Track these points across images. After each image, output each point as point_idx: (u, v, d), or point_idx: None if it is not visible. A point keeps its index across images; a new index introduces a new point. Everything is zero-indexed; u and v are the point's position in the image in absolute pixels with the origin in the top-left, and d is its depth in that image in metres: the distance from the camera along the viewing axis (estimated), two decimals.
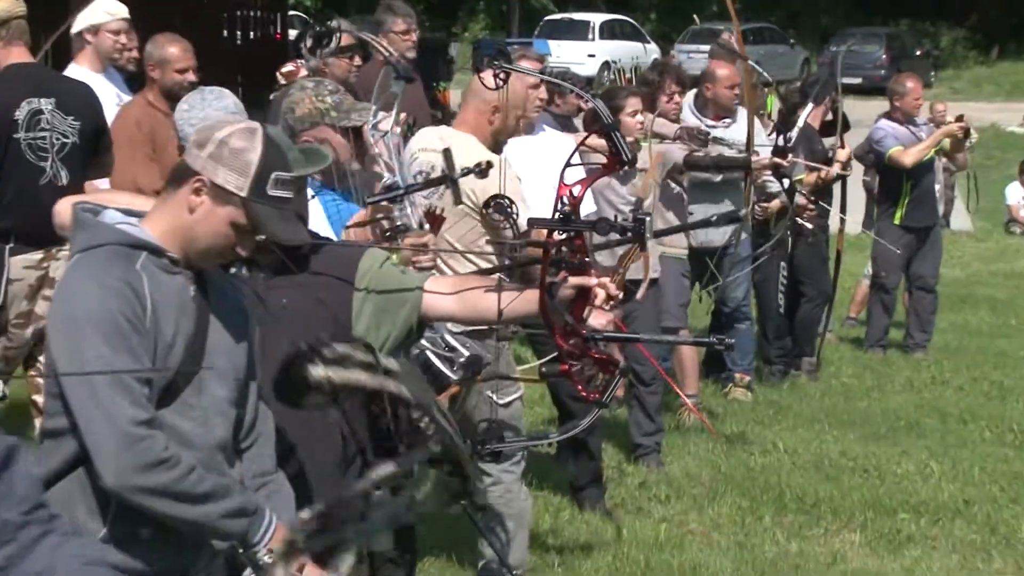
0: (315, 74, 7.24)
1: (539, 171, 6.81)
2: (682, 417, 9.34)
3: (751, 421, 9.55)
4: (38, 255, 6.61)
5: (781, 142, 9.32)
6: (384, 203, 4.72)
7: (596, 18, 41.23)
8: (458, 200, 4.73)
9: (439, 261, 5.75)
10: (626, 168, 4.32)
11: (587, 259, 4.06)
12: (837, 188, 10.93)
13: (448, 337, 4.06)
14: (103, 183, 6.96)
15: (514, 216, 5.31)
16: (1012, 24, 47.16)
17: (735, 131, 9.39)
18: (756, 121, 9.96)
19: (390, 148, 4.69)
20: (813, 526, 7.60)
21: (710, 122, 9.52)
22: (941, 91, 35.41)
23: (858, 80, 31.67)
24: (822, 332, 11.20)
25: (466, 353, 4.26)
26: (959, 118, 11.90)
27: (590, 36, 39.61)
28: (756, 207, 10.00)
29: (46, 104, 6.61)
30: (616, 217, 7.26)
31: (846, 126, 11.14)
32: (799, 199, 10.21)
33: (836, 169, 10.68)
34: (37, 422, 5.81)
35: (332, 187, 4.77)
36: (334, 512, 2.35)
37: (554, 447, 8.27)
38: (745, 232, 9.77)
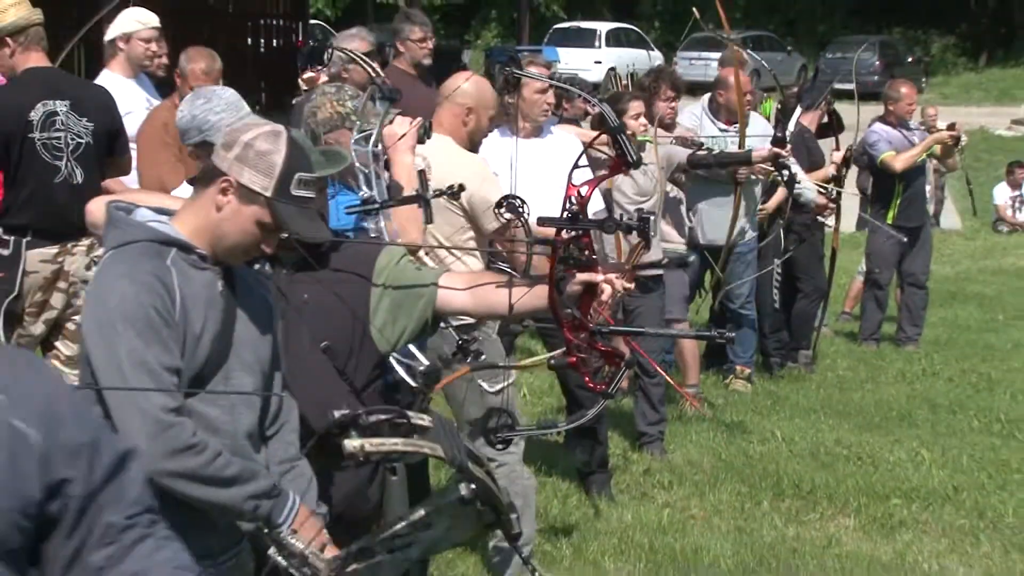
0: (335, 80, 7.26)
1: (548, 171, 6.82)
2: (684, 407, 9.34)
3: (750, 411, 9.55)
4: (53, 249, 6.67)
5: (780, 133, 9.36)
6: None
7: (603, 26, 41.24)
8: (429, 220, 4.73)
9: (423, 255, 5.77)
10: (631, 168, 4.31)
11: (594, 256, 4.05)
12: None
13: (409, 346, 4.04)
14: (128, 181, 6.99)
15: (526, 216, 5.30)
16: (1000, 33, 47.14)
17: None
18: (759, 117, 10.00)
19: (369, 161, 4.66)
20: (809, 511, 7.59)
21: (722, 125, 9.57)
22: (932, 96, 35.36)
23: (852, 85, 31.56)
24: (818, 326, 11.21)
25: (425, 362, 4.25)
26: (951, 126, 11.86)
27: (597, 44, 39.61)
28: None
29: (61, 106, 6.63)
30: (622, 216, 7.24)
31: (840, 127, 11.17)
32: (820, 199, 10.24)
33: (831, 170, 10.73)
34: None
35: (351, 188, 4.77)
36: (374, 547, 2.34)
37: (562, 435, 8.28)
38: (751, 231, 9.78)
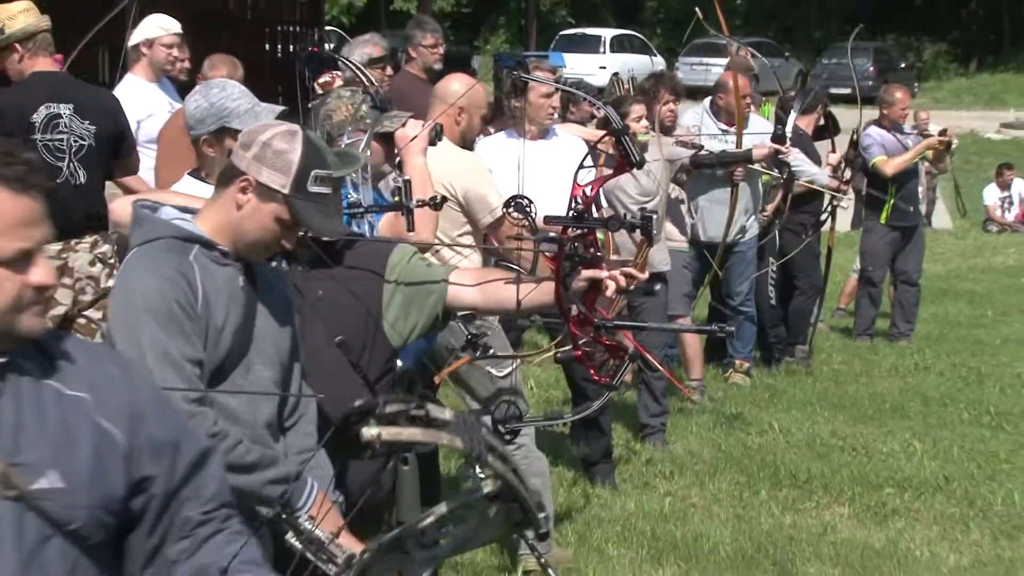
0: (351, 83, 7.24)
1: (553, 172, 6.83)
2: (685, 402, 9.34)
3: (749, 404, 9.55)
4: (56, 246, 6.64)
5: (780, 131, 9.40)
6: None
7: (607, 33, 41.20)
8: (410, 228, 4.72)
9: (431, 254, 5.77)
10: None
11: (599, 253, 4.05)
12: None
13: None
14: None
15: (533, 215, 5.30)
16: (989, 39, 47.09)
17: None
18: (757, 117, 10.02)
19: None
20: (805, 500, 7.59)
21: (723, 126, 9.57)
22: (924, 101, 35.28)
23: (847, 90, 31.55)
24: (814, 322, 11.22)
25: (399, 363, 4.25)
26: (942, 132, 11.84)
27: (601, 49, 39.58)
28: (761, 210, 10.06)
29: (64, 109, 6.63)
30: (625, 215, 7.24)
31: (836, 130, 11.17)
32: (832, 181, 10.23)
33: (827, 172, 10.74)
34: None
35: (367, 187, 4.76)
36: (405, 541, 2.33)
37: (568, 426, 8.29)
38: (752, 230, 9.78)
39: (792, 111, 10.13)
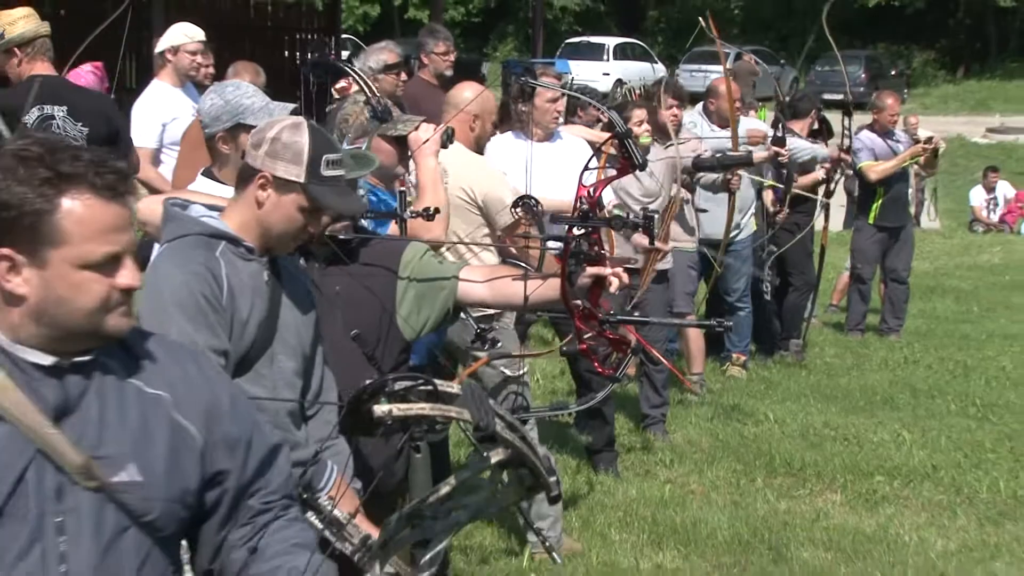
0: None
1: (558, 172, 6.83)
2: (685, 394, 9.33)
3: (745, 395, 9.54)
4: None
5: (779, 135, 9.41)
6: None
7: (610, 41, 41.13)
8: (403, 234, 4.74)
9: (450, 252, 5.78)
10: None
11: (603, 251, 4.04)
12: (822, 190, 10.95)
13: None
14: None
15: (540, 214, 5.30)
16: (976, 48, 47.02)
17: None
18: (749, 119, 10.02)
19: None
20: (799, 487, 7.58)
21: (716, 128, 9.55)
22: (913, 106, 35.24)
23: (840, 96, 31.51)
24: (808, 317, 11.20)
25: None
26: (928, 140, 11.80)
27: (605, 57, 39.51)
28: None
29: (58, 111, 6.61)
30: (628, 215, 7.24)
31: (829, 133, 11.16)
32: (833, 151, 10.23)
33: (821, 174, 10.76)
34: None
35: (380, 188, 4.76)
36: (422, 511, 2.33)
37: (572, 416, 8.29)
38: (747, 231, 9.77)
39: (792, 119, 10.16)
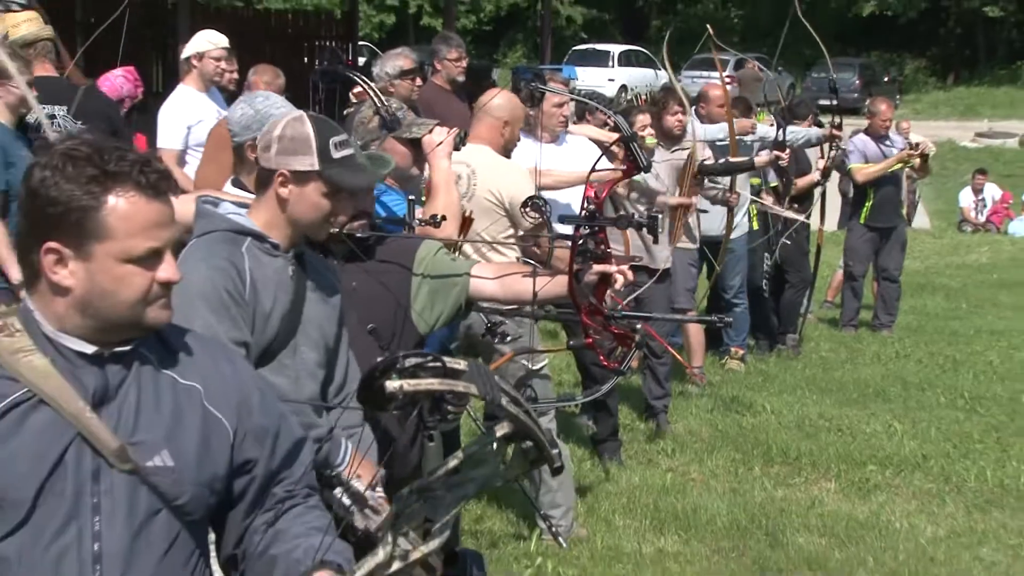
0: (383, 93, 7.22)
1: (558, 194, 6.85)
2: (686, 386, 9.32)
3: (744, 387, 9.53)
4: None
5: (780, 137, 9.40)
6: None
7: (615, 48, 41.07)
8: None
9: (472, 251, 5.78)
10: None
11: (608, 249, 4.04)
12: (817, 192, 10.96)
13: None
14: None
15: (548, 214, 5.30)
16: (965, 56, 46.93)
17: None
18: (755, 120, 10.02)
19: None
20: (795, 476, 7.57)
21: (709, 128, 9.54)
22: (905, 111, 35.17)
23: (834, 102, 31.44)
24: (803, 313, 11.20)
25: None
26: (915, 145, 11.75)
27: (610, 63, 39.45)
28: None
29: (59, 111, 6.61)
30: (633, 215, 7.23)
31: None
32: (825, 131, 10.20)
33: (817, 176, 10.76)
34: None
35: (395, 188, 4.76)
36: (432, 485, 2.33)
37: (578, 407, 8.28)
38: (742, 229, 9.76)
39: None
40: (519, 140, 6.32)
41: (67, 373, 2.37)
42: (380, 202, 4.59)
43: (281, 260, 3.47)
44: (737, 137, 9.20)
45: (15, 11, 6.83)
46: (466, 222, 5.13)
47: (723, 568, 6.17)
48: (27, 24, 6.72)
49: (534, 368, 5.98)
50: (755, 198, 10.04)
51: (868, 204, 11.63)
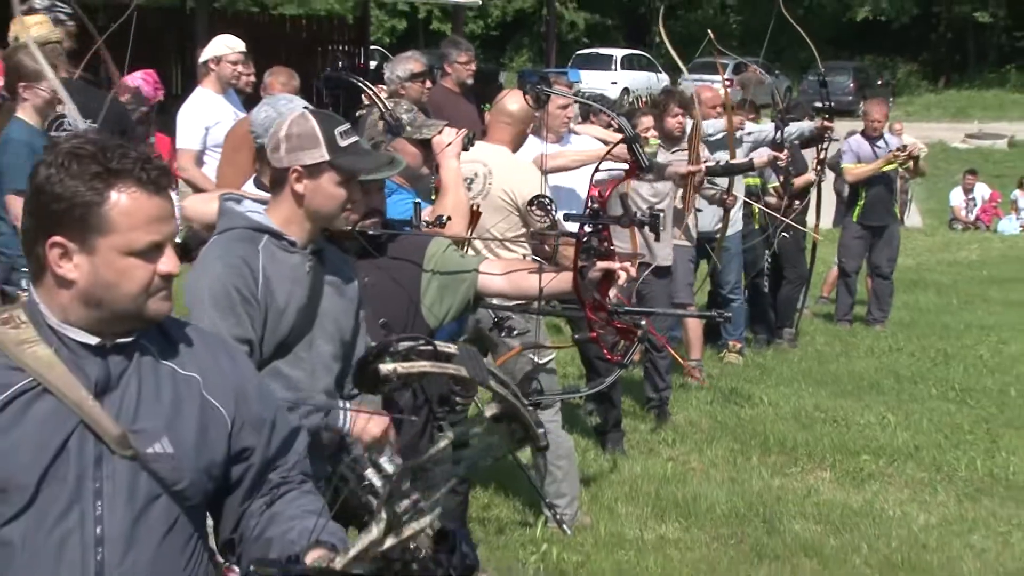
0: (394, 96, 7.23)
1: (568, 183, 6.85)
2: (686, 378, 9.31)
3: (742, 380, 9.51)
4: None
5: (779, 138, 9.39)
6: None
7: (618, 52, 41.03)
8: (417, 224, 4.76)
9: (483, 247, 5.78)
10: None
11: (612, 247, 4.03)
12: (814, 191, 10.94)
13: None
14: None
15: (553, 213, 5.28)
16: (956, 60, 46.86)
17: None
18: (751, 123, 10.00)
19: None
20: (792, 465, 7.56)
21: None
22: (897, 113, 35.02)
23: (828, 103, 31.38)
24: (800, 308, 11.19)
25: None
26: (901, 148, 11.72)
27: (613, 67, 39.42)
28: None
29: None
30: (636, 213, 7.23)
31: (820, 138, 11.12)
32: (817, 123, 10.17)
33: (812, 175, 10.75)
34: None
35: (405, 187, 4.75)
36: (424, 464, 2.33)
37: (583, 399, 8.28)
38: (735, 227, 9.75)
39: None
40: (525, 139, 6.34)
41: (70, 363, 2.39)
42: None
43: (298, 256, 3.47)
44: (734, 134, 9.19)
45: (41, 14, 6.82)
46: (474, 216, 5.13)
47: (722, 554, 6.17)
48: (37, 28, 6.72)
49: (540, 362, 5.98)
50: (749, 200, 10.00)
51: (860, 203, 11.65)
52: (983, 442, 8.12)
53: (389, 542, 2.19)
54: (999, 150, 32.46)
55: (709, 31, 9.79)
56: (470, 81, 9.10)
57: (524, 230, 5.95)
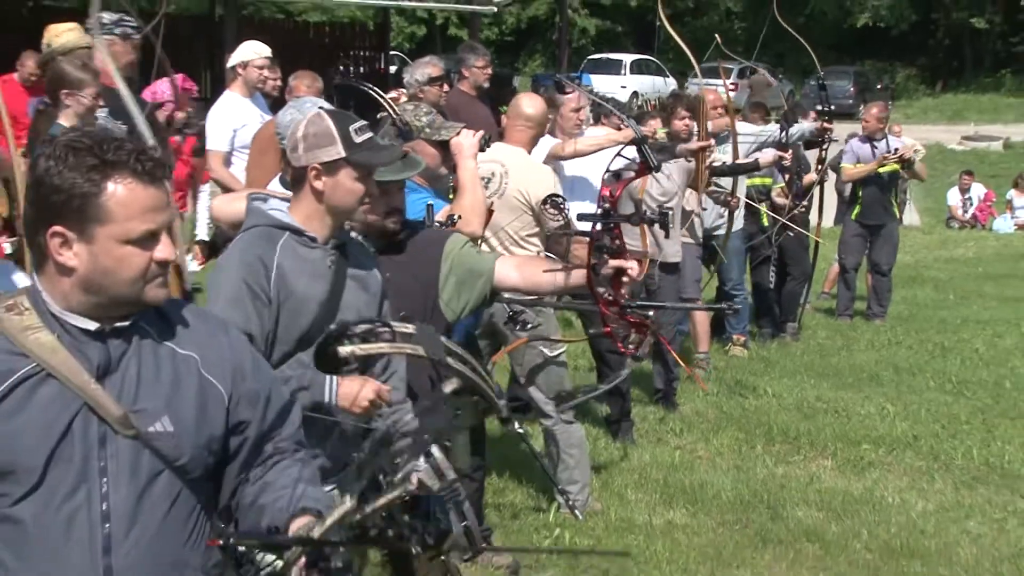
0: (413, 99, 7.23)
1: (580, 165, 6.85)
2: (694, 369, 9.29)
3: (746, 372, 9.50)
4: None
5: (784, 139, 9.37)
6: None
7: (627, 57, 40.96)
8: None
9: (497, 244, 5.78)
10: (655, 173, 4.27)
11: (623, 244, 4.02)
12: (816, 191, 10.92)
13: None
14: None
15: (566, 211, 5.27)
16: (953, 65, 46.70)
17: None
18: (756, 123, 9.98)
19: None
20: (795, 454, 7.54)
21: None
22: (896, 116, 34.78)
23: (828, 106, 31.28)
24: (803, 303, 11.17)
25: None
26: (895, 150, 11.67)
27: (622, 72, 39.34)
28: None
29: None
30: (646, 211, 7.22)
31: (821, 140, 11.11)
32: (816, 125, 10.13)
33: (814, 175, 10.74)
34: None
35: (424, 187, 4.74)
36: (391, 436, 2.34)
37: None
38: (737, 224, 9.73)
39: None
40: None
41: (72, 348, 2.41)
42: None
43: (319, 251, 3.48)
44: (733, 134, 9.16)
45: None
46: (487, 213, 5.12)
47: (727, 539, 6.15)
48: (68, 34, 6.76)
49: (552, 355, 5.98)
50: (751, 201, 9.96)
51: (859, 203, 11.64)
52: (979, 432, 8.09)
53: (363, 512, 2.20)
54: (994, 151, 32.35)
55: (717, 36, 9.77)
56: (486, 85, 9.10)
57: (537, 229, 5.95)
